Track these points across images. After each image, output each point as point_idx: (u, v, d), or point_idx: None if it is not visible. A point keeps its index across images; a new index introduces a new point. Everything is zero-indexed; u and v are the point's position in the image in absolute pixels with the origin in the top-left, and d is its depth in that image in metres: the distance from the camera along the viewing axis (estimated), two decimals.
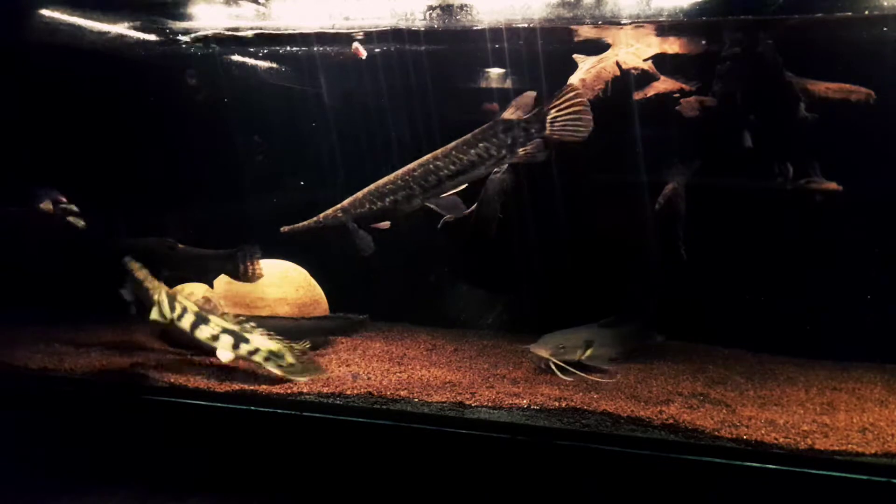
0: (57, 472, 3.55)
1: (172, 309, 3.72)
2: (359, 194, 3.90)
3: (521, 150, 3.64)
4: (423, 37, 4.16)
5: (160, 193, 5.05)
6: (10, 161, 4.66)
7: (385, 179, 3.84)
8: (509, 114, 3.63)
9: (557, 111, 3.56)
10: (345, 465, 3.32)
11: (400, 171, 3.81)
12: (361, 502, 3.29)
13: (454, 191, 3.75)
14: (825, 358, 4.04)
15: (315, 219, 3.94)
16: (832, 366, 3.94)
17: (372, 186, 3.87)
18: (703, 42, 4.05)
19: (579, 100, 3.55)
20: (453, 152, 3.68)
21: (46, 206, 4.38)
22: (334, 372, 3.71)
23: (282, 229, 3.98)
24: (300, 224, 3.96)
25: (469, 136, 3.67)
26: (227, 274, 4.10)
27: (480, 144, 3.64)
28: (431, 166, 3.71)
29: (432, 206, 3.78)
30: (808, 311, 4.00)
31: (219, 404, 3.44)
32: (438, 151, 3.73)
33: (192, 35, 4.49)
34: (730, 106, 3.97)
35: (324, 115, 4.75)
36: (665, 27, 3.92)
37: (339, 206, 3.92)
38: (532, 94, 3.66)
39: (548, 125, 3.58)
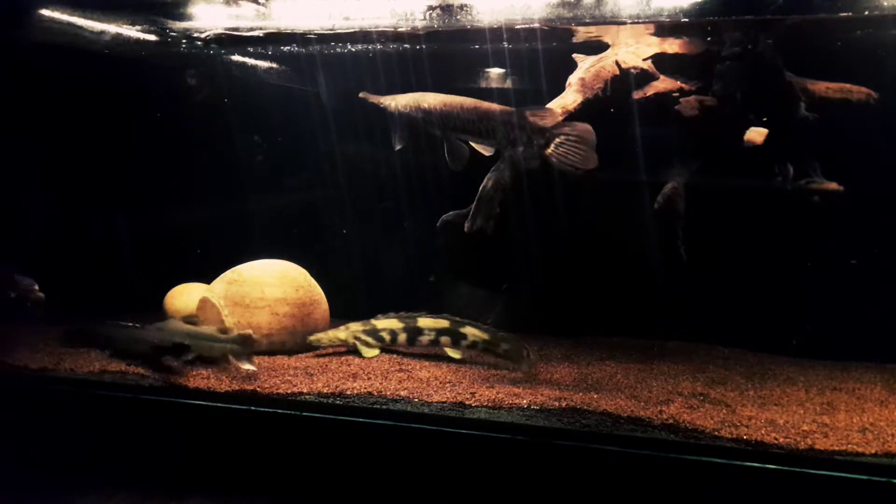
0: (57, 472, 3.55)
1: (379, 339, 4.06)
2: (404, 100, 4.02)
3: (520, 149, 3.74)
4: (423, 37, 4.16)
5: (159, 193, 5.06)
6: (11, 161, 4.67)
7: (420, 103, 3.95)
8: (530, 115, 3.69)
9: (565, 138, 3.62)
10: (345, 465, 3.32)
11: (432, 101, 3.91)
12: (362, 502, 3.30)
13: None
14: (825, 358, 4.04)
15: (379, 99, 4.12)
16: (832, 366, 3.94)
17: (412, 100, 3.99)
18: (703, 42, 4.05)
19: (588, 138, 3.60)
20: (463, 111, 3.79)
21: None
22: (335, 373, 3.72)
23: (360, 94, 4.16)
24: (373, 97, 4.15)
25: (489, 108, 3.74)
26: None
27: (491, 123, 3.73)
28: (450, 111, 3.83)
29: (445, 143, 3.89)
30: (808, 311, 4.01)
31: (219, 404, 3.44)
32: (469, 104, 3.81)
33: (202, 36, 4.51)
34: (729, 106, 3.97)
35: (323, 115, 4.76)
36: (665, 27, 3.92)
37: (392, 97, 4.11)
38: (559, 112, 3.77)
39: (552, 146, 3.63)
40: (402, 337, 4.05)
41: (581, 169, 3.62)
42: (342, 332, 4.08)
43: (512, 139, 3.70)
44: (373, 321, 4.10)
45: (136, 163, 5.03)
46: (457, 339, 3.98)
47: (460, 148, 3.89)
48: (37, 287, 4.31)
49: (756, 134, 3.72)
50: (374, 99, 4.17)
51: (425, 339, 4.02)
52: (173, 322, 3.99)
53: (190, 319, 4.00)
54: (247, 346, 3.72)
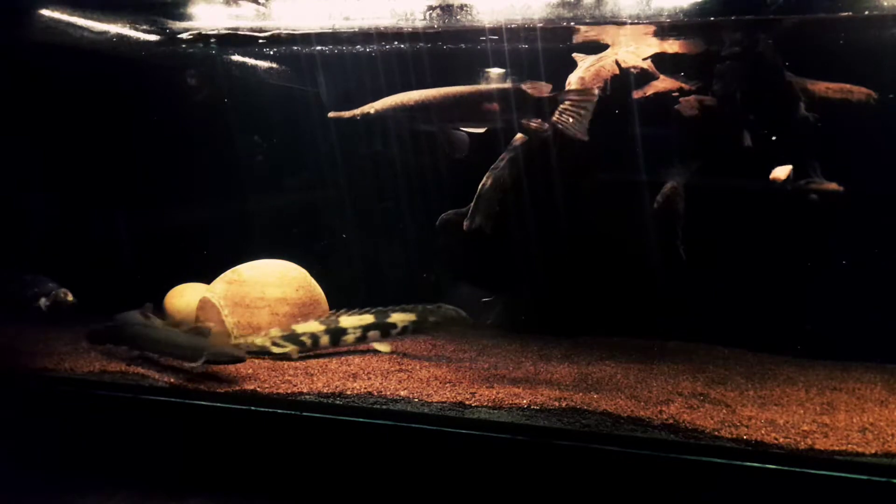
0: (57, 472, 3.55)
1: (300, 343, 3.96)
2: (384, 103, 4.08)
3: (524, 121, 3.89)
4: (423, 37, 4.16)
5: (160, 193, 5.06)
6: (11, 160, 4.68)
7: (405, 101, 4.02)
8: (526, 87, 3.83)
9: (570, 104, 3.76)
10: (345, 465, 3.33)
11: (426, 95, 3.99)
12: (362, 502, 3.30)
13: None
14: (825, 358, 4.04)
15: (354, 112, 4.14)
16: (832, 366, 3.94)
17: (395, 101, 4.04)
18: (703, 42, 4.05)
19: (590, 103, 3.77)
20: (458, 99, 3.91)
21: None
22: (335, 373, 3.72)
23: (329, 115, 4.18)
24: (345, 112, 4.16)
25: (484, 91, 3.88)
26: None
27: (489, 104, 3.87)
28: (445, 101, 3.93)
29: (441, 134, 3.99)
30: (808, 311, 4.00)
31: (219, 404, 3.44)
32: (463, 91, 3.93)
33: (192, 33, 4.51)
34: (729, 106, 3.97)
35: (323, 115, 4.75)
36: (665, 27, 3.92)
37: (369, 105, 4.14)
38: (549, 85, 3.86)
39: (557, 112, 3.75)
40: (325, 339, 3.99)
41: (582, 135, 3.76)
42: (259, 338, 3.97)
43: (518, 114, 3.82)
44: (293, 325, 4.03)
45: (136, 163, 5.03)
46: (386, 330, 4.00)
47: (459, 136, 3.93)
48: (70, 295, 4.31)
49: (780, 172, 3.79)
50: (348, 114, 4.21)
51: (350, 337, 4.01)
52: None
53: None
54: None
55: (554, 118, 3.78)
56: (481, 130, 4.01)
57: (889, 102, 3.86)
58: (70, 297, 4.30)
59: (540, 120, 3.89)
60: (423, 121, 4.04)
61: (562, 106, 3.77)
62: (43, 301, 4.20)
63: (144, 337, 3.90)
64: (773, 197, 3.98)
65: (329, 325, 4.00)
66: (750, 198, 4.04)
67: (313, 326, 4.01)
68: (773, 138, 3.89)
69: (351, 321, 4.00)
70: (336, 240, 4.94)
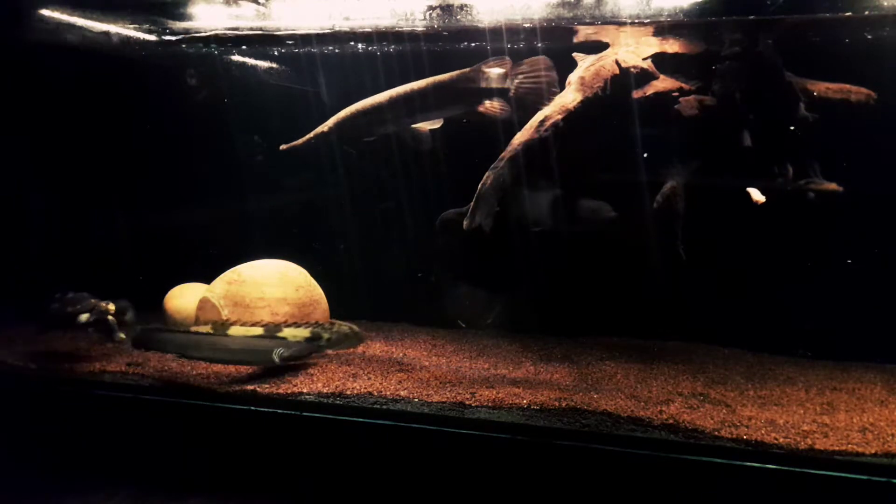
0: (57, 472, 3.55)
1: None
2: (342, 113, 4.25)
3: (487, 102, 4.00)
4: (423, 37, 4.16)
5: (160, 193, 5.06)
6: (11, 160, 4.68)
7: (361, 108, 4.18)
8: (486, 68, 3.96)
9: (524, 77, 3.88)
10: (345, 465, 3.33)
11: (382, 97, 4.12)
12: (361, 503, 3.30)
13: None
14: (825, 358, 4.04)
15: (307, 136, 4.29)
16: (832, 366, 3.94)
17: (351, 110, 4.20)
18: (703, 42, 4.05)
19: (544, 68, 3.91)
20: (420, 92, 4.04)
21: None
22: (335, 373, 3.72)
23: (280, 147, 4.32)
24: (297, 141, 4.31)
25: (445, 78, 4.01)
26: None
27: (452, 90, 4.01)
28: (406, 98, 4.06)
29: (405, 134, 4.12)
30: (808, 311, 4.00)
31: (219, 404, 3.44)
32: (422, 84, 4.07)
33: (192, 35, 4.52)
34: (729, 106, 3.96)
35: (323, 114, 4.75)
36: (665, 27, 3.92)
37: (325, 122, 4.29)
38: (508, 60, 3.96)
39: (513, 86, 3.88)
40: None
41: (544, 101, 3.85)
42: None
43: (482, 94, 3.93)
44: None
45: (136, 163, 5.03)
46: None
47: (420, 131, 3.99)
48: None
49: (755, 195, 3.85)
50: (302, 140, 4.30)
51: None
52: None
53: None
54: None
55: (511, 93, 3.85)
56: (437, 125, 4.10)
57: (889, 102, 3.86)
58: (111, 307, 4.25)
59: (499, 100, 3.96)
60: (379, 124, 4.08)
61: (516, 81, 3.86)
62: (86, 317, 4.15)
63: (193, 344, 3.80)
64: (773, 197, 3.98)
65: (218, 330, 3.94)
66: (750, 198, 4.03)
67: (203, 330, 3.94)
68: (787, 128, 3.88)
69: (238, 332, 3.92)
70: (336, 241, 4.94)
